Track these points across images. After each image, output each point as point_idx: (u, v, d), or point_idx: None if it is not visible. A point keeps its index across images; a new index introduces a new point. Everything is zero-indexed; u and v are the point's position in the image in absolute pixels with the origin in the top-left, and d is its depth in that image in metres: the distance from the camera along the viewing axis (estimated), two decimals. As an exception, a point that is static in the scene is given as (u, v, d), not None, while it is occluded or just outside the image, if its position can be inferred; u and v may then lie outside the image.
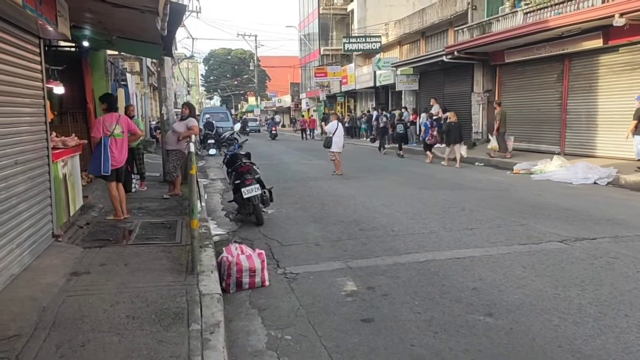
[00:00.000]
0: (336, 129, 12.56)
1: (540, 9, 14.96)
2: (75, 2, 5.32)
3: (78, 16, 6.14)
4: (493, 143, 14.65)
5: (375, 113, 24.84)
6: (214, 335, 3.29)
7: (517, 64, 16.34)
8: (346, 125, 31.44)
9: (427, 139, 16.04)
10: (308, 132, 33.44)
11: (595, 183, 10.23)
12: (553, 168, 11.57)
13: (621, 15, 11.12)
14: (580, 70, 14.03)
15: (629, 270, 4.80)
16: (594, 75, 13.57)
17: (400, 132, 18.23)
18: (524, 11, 15.69)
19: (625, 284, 4.41)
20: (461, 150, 14.20)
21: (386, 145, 19.84)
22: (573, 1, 13.60)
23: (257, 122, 49.03)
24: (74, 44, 8.67)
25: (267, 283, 4.61)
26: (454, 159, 14.23)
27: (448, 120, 14.92)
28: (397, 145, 18.28)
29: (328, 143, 12.55)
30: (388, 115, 21.62)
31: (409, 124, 21.20)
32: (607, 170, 10.53)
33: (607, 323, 3.64)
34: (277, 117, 49.94)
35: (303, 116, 43.78)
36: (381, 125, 20.21)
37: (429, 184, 10.57)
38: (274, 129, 34.28)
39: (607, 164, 11.33)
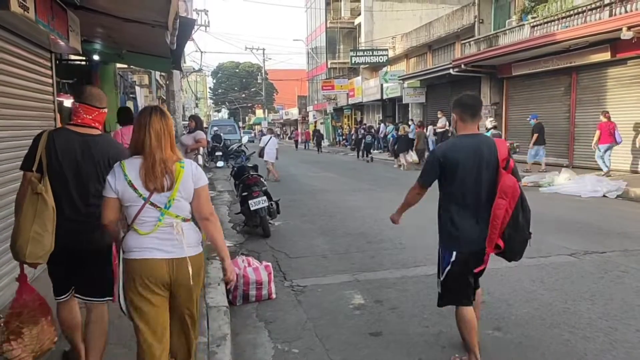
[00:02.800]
0: (267, 142, 14.68)
1: (547, 23, 14.99)
2: (87, 17, 5.39)
3: (89, 31, 6.22)
4: (414, 157, 18.10)
5: (382, 126, 25.20)
6: (220, 348, 3.29)
7: (525, 77, 16.35)
8: (353, 137, 31.77)
9: (396, 147, 18.68)
10: (301, 143, 37.72)
11: (604, 196, 10.15)
12: (561, 181, 11.50)
13: (629, 28, 11.12)
14: (588, 83, 14.01)
15: (639, 284, 4.74)
16: (602, 88, 13.54)
17: (368, 141, 22.98)
18: (531, 24, 15.74)
19: (636, 298, 4.36)
20: (406, 157, 17.79)
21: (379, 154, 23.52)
22: (580, 15, 13.62)
23: (252, 134, 56.52)
24: (84, 58, 8.78)
25: (274, 296, 4.61)
26: (417, 163, 17.59)
27: (399, 133, 18.77)
28: (393, 153, 20.58)
29: (260, 153, 14.57)
30: (366, 127, 26.52)
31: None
32: (616, 184, 10.46)
33: (617, 338, 3.59)
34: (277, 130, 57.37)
35: (297, 129, 49.52)
36: (359, 137, 24.57)
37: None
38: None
39: (616, 177, 11.26)
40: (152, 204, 2.46)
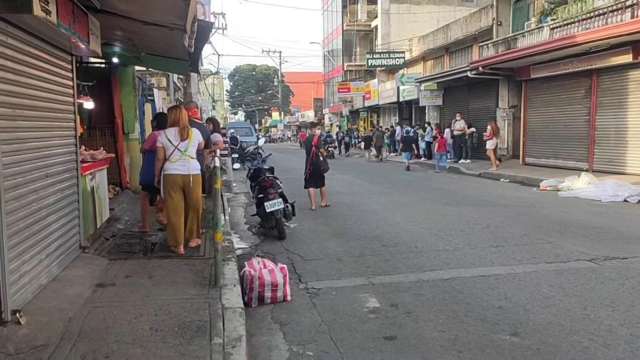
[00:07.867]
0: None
1: (567, 25, 14.78)
2: (107, 20, 5.47)
3: (109, 34, 6.31)
4: (373, 151, 24.27)
5: (397, 128, 25.14)
6: (235, 350, 3.30)
7: (544, 80, 16.13)
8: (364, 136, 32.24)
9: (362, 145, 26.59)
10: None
11: (625, 201, 9.97)
12: (581, 185, 11.32)
13: (651, 30, 10.92)
14: (609, 86, 13.77)
15: (662, 291, 4.64)
16: (623, 91, 13.29)
17: (346, 141, 31.05)
18: (551, 27, 15.53)
19: (659, 306, 4.26)
20: (371, 153, 24.63)
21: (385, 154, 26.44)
22: (601, 16, 13.41)
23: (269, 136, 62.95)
24: (104, 60, 8.90)
25: (289, 298, 4.61)
26: (377, 156, 23.94)
27: (365, 134, 26.19)
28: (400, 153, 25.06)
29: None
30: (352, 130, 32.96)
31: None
32: (637, 188, 10.26)
33: (639, 346, 3.51)
34: (290, 133, 68.52)
35: (302, 131, 53.30)
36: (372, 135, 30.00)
37: (453, 200, 10.48)
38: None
39: (637, 182, 11.04)
40: (178, 149, 5.54)
